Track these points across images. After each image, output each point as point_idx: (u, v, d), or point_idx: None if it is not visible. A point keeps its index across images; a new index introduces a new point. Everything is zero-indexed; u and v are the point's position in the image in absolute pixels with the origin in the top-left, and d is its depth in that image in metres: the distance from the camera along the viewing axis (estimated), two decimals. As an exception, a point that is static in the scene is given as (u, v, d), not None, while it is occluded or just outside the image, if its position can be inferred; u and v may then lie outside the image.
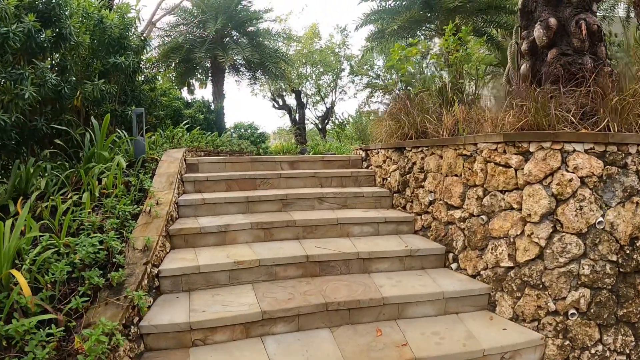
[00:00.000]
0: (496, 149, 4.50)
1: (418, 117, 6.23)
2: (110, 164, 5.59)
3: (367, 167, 7.27)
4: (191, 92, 18.61)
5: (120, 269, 3.72)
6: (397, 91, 7.29)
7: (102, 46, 7.26)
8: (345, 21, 62.62)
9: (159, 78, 15.78)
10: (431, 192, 5.46)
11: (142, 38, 8.79)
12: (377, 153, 6.84)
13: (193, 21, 14.84)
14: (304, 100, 25.51)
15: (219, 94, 16.75)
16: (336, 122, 34.91)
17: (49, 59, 6.49)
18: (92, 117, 6.60)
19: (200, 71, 18.07)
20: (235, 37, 16.59)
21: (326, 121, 27.99)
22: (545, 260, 4.08)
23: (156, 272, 4.21)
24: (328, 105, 27.75)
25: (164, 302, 4.06)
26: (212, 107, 15.13)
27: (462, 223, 4.97)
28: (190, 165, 6.81)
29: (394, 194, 6.30)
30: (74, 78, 6.56)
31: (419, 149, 5.67)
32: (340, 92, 27.76)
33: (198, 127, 11.25)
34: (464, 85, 7.16)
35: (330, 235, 5.42)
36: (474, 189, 4.77)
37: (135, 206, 4.85)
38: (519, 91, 5.17)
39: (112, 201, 4.74)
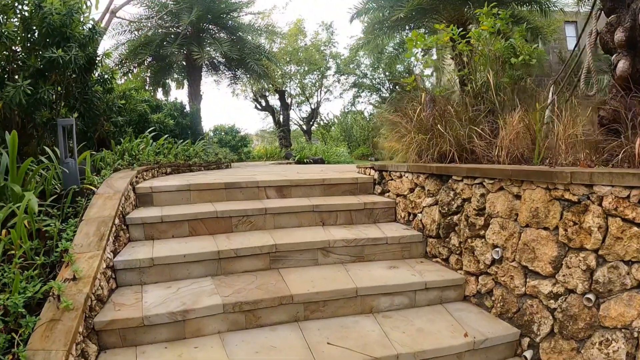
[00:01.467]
0: (628, 198, 2.64)
1: (463, 130, 4.37)
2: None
3: (382, 194, 5.37)
4: (166, 93, 16.51)
5: None
6: (423, 91, 5.44)
7: (41, 38, 5.39)
8: (330, 18, 60.89)
9: (124, 77, 13.75)
10: (496, 246, 3.58)
11: (92, 27, 6.78)
12: (400, 177, 4.94)
13: (164, 12, 12.75)
14: (288, 101, 23.49)
15: (195, 94, 14.67)
16: (321, 123, 33.01)
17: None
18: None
19: (177, 70, 15.99)
20: (213, 31, 14.53)
21: (311, 122, 26.06)
22: None
23: None
24: (313, 106, 25.83)
25: None
26: (187, 109, 13.06)
27: (551, 301, 3.13)
28: (142, 197, 4.81)
29: (430, 238, 4.41)
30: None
31: (477, 180, 3.76)
32: (326, 92, 25.87)
33: (167, 135, 9.23)
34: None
35: (345, 313, 3.53)
36: (580, 253, 2.92)
37: (42, 285, 2.85)
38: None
39: (13, 270, 2.76)
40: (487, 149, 4.32)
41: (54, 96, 6.74)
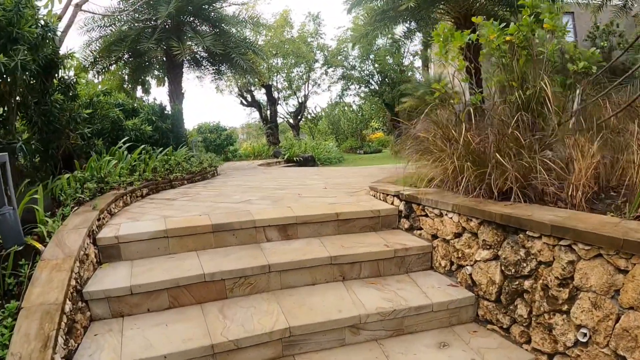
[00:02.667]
0: None
1: (529, 161, 3.31)
2: None
3: (410, 230, 4.29)
4: (146, 91, 15.11)
5: None
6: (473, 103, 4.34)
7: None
8: (317, 8, 59.09)
9: (101, 76, 12.39)
10: (582, 327, 2.54)
11: (45, 25, 5.58)
12: (440, 216, 3.84)
13: (139, 3, 11.36)
14: (275, 95, 22.22)
15: (176, 93, 13.34)
16: (309, 117, 31.78)
17: None
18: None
19: (157, 67, 14.62)
20: (195, 24, 13.18)
21: (299, 117, 24.84)
22: None
23: None
24: (300, 100, 24.56)
25: None
26: (168, 110, 11.77)
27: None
28: (107, 250, 3.65)
29: (484, 300, 3.33)
30: None
31: (564, 242, 2.68)
32: (313, 85, 24.63)
33: (143, 146, 8.00)
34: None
35: None
36: None
37: None
38: None
39: None
40: (557, 187, 3.26)
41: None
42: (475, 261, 3.41)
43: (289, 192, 6.04)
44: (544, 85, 3.87)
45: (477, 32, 4.58)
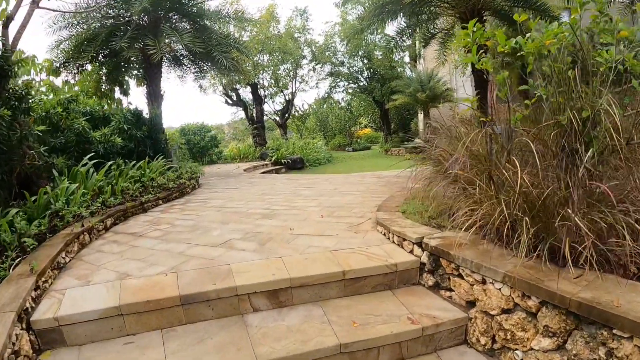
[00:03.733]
0: None
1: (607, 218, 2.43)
2: None
3: (435, 288, 3.38)
4: (125, 92, 13.89)
5: None
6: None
7: None
8: (304, 3, 57.75)
9: (76, 77, 11.23)
10: None
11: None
12: (483, 282, 2.92)
13: (109, -1, 10.24)
14: (262, 93, 21.13)
15: (155, 95, 12.21)
16: (296, 114, 30.69)
17: None
18: None
19: (135, 66, 13.43)
20: (173, 20, 12.06)
21: (286, 115, 23.74)
22: None
23: None
24: (288, 97, 23.48)
25: None
26: (146, 114, 10.69)
27: None
28: (46, 334, 2.70)
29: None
30: None
31: None
32: (301, 83, 23.54)
33: (112, 162, 6.98)
34: None
35: None
36: None
37: None
38: None
39: None
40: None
41: None
42: (531, 349, 2.51)
43: (279, 223, 5.09)
44: (606, 106, 2.97)
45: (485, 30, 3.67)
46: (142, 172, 7.82)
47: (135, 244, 4.47)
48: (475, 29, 3.74)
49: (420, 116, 33.72)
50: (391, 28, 20.94)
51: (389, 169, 12.99)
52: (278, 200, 6.88)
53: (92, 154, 6.97)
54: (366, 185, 8.11)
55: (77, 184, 5.69)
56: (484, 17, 8.18)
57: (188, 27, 11.93)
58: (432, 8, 8.29)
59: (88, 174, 6.54)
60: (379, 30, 9.71)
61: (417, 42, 15.08)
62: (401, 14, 8.20)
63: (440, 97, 20.19)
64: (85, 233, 4.55)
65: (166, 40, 10.86)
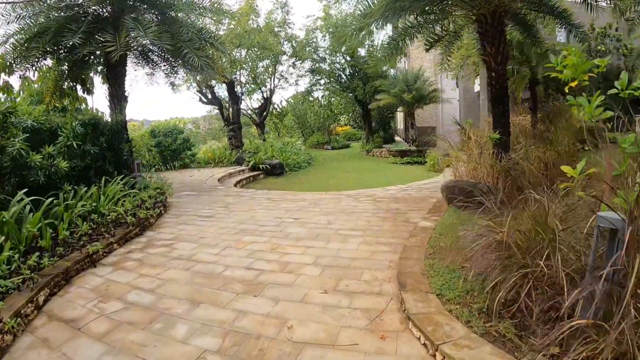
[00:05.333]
0: None
1: None
2: None
3: None
4: (89, 91, 12.05)
5: None
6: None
7: None
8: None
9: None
10: None
11: None
12: None
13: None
14: (238, 90, 19.43)
15: (118, 96, 10.48)
16: (274, 112, 29.02)
17: None
18: None
19: (99, 62, 11.59)
20: (140, 12, 10.34)
21: (264, 114, 22.07)
22: None
23: None
24: (266, 95, 21.80)
25: None
26: (106, 121, 9.01)
27: None
28: None
29: None
30: None
31: None
32: (280, 79, 21.90)
33: (50, 197, 5.40)
34: None
35: None
36: None
37: None
38: None
39: None
40: None
41: None
42: None
43: (269, 307, 3.66)
44: None
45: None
46: (95, 206, 6.27)
47: (69, 350, 3.00)
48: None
49: (399, 115, 32.57)
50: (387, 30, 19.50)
51: (378, 184, 11.69)
52: (261, 245, 5.43)
53: (34, 182, 5.37)
54: (365, 217, 6.73)
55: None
56: (505, 21, 6.85)
57: (155, 19, 10.24)
58: (446, 7, 6.91)
59: (23, 214, 4.97)
60: (377, 30, 8.26)
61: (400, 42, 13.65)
62: (410, 12, 6.80)
63: (426, 98, 18.95)
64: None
65: (132, 34, 9.14)
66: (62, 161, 6.13)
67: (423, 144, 20.48)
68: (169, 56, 11.53)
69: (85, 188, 6.60)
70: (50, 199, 5.53)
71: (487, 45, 6.68)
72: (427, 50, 8.48)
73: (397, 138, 32.62)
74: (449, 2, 6.69)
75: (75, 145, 6.75)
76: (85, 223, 5.68)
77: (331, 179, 14.02)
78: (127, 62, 11.83)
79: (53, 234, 5.15)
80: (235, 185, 12.64)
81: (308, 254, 5.02)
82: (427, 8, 6.82)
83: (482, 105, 16.49)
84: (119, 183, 7.77)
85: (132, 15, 9.58)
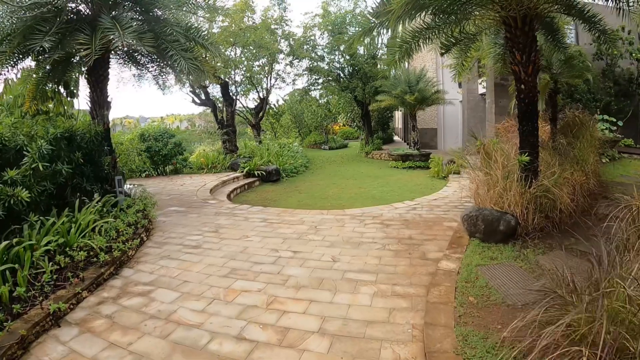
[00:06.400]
0: None
1: None
2: None
3: None
4: (72, 94, 11.01)
5: None
6: None
7: None
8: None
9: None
10: None
11: None
12: None
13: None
14: (233, 90, 18.39)
15: (100, 102, 9.42)
16: (271, 112, 27.98)
17: None
18: None
19: (82, 61, 10.52)
20: (125, 7, 9.29)
21: (260, 114, 21.02)
22: None
23: None
24: (262, 95, 20.75)
25: None
26: (84, 132, 7.99)
27: None
28: None
29: None
30: None
31: None
32: (276, 79, 20.85)
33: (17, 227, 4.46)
34: None
35: None
36: None
37: None
38: None
39: None
40: None
41: None
42: None
43: None
44: None
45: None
46: (65, 237, 5.33)
47: None
48: None
49: (398, 114, 31.60)
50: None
51: (382, 195, 10.77)
52: (255, 297, 4.47)
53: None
54: (375, 251, 5.80)
55: None
56: (535, 25, 5.90)
57: (140, 18, 9.21)
58: (469, 7, 5.96)
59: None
60: (386, 32, 7.30)
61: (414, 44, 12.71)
62: (430, 9, 5.86)
63: (429, 99, 18.00)
64: None
65: (110, 35, 8.10)
66: (23, 190, 5.14)
67: (423, 146, 19.58)
68: (156, 57, 10.51)
69: (53, 220, 5.62)
70: (4, 244, 4.58)
71: (517, 52, 5.74)
72: (442, 54, 7.53)
73: (395, 138, 31.69)
74: (473, 2, 5.72)
75: (41, 167, 5.77)
76: (51, 263, 4.75)
77: (330, 188, 13.08)
78: (112, 63, 10.82)
79: (10, 288, 4.21)
80: (228, 195, 11.68)
81: (312, 313, 4.09)
82: (447, 8, 5.85)
83: (489, 109, 15.56)
84: (97, 204, 6.84)
85: (114, 13, 8.57)
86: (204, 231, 7.20)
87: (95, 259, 5.33)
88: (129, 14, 9.33)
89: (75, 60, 9.62)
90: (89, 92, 9.69)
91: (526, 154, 5.77)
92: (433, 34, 6.58)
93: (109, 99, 9.82)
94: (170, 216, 8.51)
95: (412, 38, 6.71)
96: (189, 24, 10.35)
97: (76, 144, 7.42)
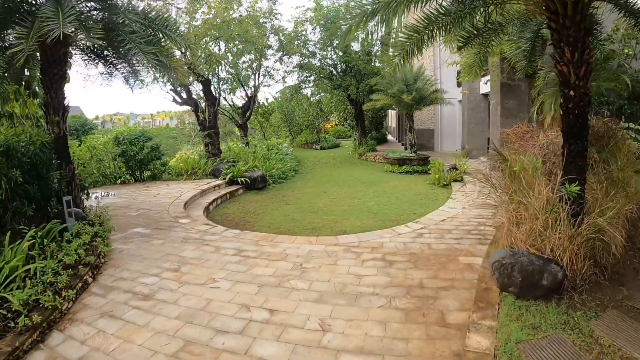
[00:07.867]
0: None
1: None
2: None
3: None
4: (34, 94, 9.39)
5: None
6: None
7: None
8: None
9: None
10: None
11: None
12: None
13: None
14: (217, 87, 16.81)
15: (54, 106, 7.83)
16: (260, 110, 26.36)
17: None
18: None
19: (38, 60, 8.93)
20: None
21: (247, 114, 19.43)
22: None
23: None
24: (250, 93, 19.18)
25: None
26: (32, 143, 6.44)
27: None
28: None
29: None
30: None
31: None
32: (265, 76, 19.27)
33: None
34: None
35: None
36: None
37: None
38: None
39: None
40: None
41: None
42: None
43: None
44: None
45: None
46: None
47: None
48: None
49: (392, 112, 30.11)
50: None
51: (379, 208, 9.32)
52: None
53: None
54: (377, 311, 4.34)
55: None
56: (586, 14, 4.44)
57: (95, 6, 7.62)
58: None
59: None
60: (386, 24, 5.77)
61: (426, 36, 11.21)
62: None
63: (427, 99, 16.57)
64: None
65: (49, 25, 6.45)
66: None
67: (419, 147, 18.18)
68: (112, 51, 8.90)
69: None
70: None
71: (567, 48, 4.28)
72: (459, 48, 6.08)
73: (389, 137, 30.27)
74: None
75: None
76: None
77: (321, 198, 11.62)
78: (77, 60, 9.28)
79: None
80: (207, 207, 10.18)
81: None
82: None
83: (494, 110, 14.14)
84: (37, 234, 5.39)
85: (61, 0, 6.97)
86: (163, 269, 5.70)
87: (13, 326, 3.85)
88: (89, 4, 7.74)
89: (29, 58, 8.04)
90: (44, 94, 8.13)
91: (576, 183, 4.34)
92: (453, 21, 5.10)
93: (65, 102, 8.27)
94: (131, 242, 7.00)
95: (424, 27, 5.22)
96: (157, 15, 8.70)
97: (17, 158, 5.92)
